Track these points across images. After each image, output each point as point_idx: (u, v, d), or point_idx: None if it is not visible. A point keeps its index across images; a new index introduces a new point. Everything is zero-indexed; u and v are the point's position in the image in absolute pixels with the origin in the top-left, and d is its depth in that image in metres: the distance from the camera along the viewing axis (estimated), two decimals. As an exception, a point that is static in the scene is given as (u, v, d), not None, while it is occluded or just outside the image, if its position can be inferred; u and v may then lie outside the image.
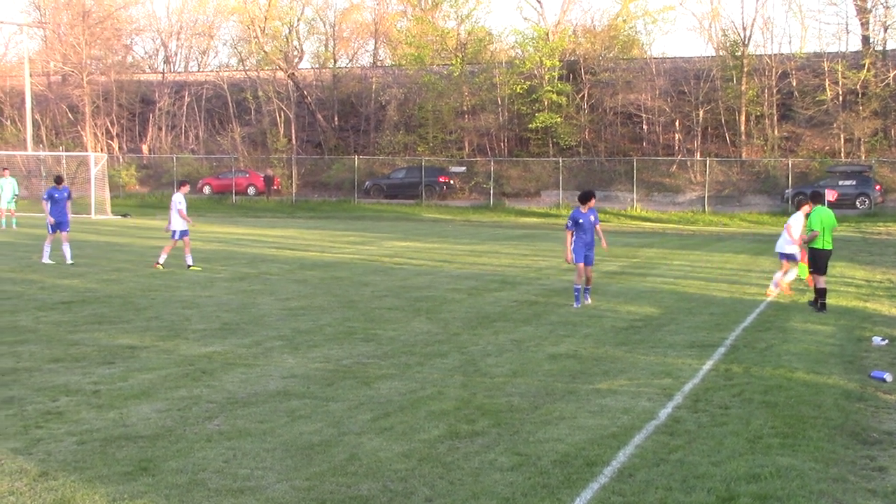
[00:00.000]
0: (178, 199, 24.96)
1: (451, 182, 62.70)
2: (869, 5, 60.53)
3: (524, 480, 8.13)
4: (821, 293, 18.75)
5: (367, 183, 63.37)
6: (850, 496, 7.93)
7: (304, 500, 7.59)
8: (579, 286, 19.05)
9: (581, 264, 18.90)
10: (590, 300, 19.32)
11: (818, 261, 18.82)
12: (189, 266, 24.67)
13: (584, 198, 19.23)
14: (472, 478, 8.19)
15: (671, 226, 49.85)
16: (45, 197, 26.59)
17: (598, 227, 19.36)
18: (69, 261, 25.68)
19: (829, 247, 18.85)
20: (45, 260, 25.88)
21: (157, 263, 24.89)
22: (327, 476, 8.17)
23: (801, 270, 20.55)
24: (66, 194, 26.63)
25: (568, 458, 8.74)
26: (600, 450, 9.03)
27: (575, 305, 18.82)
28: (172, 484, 7.90)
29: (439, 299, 19.64)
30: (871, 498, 7.94)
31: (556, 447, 9.09)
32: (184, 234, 24.93)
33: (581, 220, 18.93)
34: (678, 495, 7.82)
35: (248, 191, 65.60)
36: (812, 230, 18.83)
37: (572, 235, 18.92)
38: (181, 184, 26.30)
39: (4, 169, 40.88)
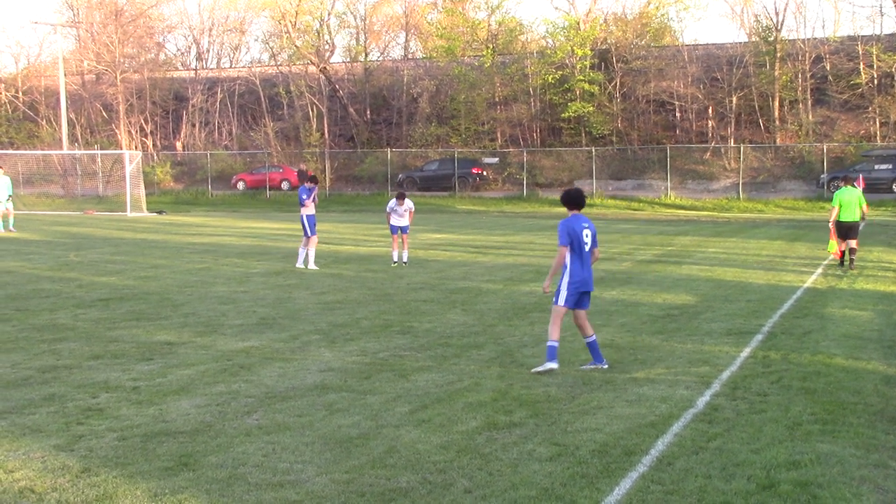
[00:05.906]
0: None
1: (485, 173, 62.68)
2: (904, -12, 59.94)
3: (563, 470, 8.12)
4: (842, 255, 23.12)
5: (400, 176, 63.42)
6: (891, 482, 7.86)
7: (344, 493, 7.61)
8: (554, 343, 11.84)
9: (565, 308, 12.16)
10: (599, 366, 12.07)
11: (839, 231, 22.98)
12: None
13: (574, 201, 12.12)
14: (511, 469, 8.19)
15: (706, 213, 49.57)
16: (306, 196, 23.84)
17: (595, 249, 12.35)
18: (312, 265, 23.77)
19: (846, 219, 22.89)
20: (300, 264, 23.94)
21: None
22: (366, 469, 8.19)
23: (830, 245, 23.52)
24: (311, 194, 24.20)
25: (606, 448, 8.72)
26: (638, 439, 9.01)
27: (546, 365, 11.82)
28: (213, 479, 7.95)
29: (475, 291, 19.63)
30: (913, 484, 7.88)
31: (594, 437, 9.08)
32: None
33: (582, 232, 12.01)
34: (718, 483, 7.79)
35: (282, 185, 65.85)
36: (833, 207, 23.31)
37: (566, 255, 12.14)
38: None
39: None
